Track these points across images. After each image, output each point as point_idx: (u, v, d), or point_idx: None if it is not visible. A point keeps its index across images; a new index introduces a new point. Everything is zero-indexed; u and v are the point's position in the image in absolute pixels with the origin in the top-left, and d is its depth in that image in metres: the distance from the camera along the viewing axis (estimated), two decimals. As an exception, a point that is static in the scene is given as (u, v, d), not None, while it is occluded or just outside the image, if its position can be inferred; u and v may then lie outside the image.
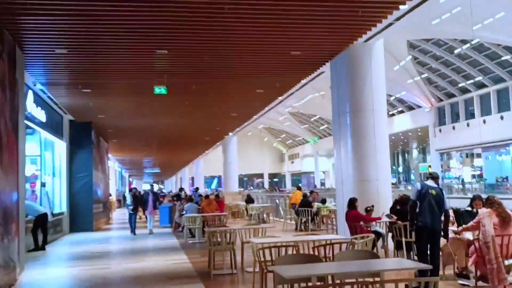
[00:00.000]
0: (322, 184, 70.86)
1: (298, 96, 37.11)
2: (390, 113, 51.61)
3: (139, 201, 18.76)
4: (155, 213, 19.01)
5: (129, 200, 18.76)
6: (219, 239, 9.55)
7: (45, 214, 14.97)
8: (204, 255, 12.45)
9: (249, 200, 24.20)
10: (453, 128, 43.29)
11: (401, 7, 9.32)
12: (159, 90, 13.87)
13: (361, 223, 10.17)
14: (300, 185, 20.37)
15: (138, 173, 64.04)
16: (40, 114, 16.13)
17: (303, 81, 16.13)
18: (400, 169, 64.11)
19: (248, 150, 66.82)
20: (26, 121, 14.73)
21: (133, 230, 18.66)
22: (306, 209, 17.30)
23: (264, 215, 22.29)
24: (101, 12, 8.68)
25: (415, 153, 60.38)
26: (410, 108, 48.79)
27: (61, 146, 20.24)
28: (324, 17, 9.28)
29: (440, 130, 45.28)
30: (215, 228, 10.33)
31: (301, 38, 10.51)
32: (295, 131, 69.82)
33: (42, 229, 14.97)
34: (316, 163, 69.58)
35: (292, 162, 79.26)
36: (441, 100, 44.66)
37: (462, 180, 45.77)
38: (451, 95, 43.55)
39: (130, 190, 21.68)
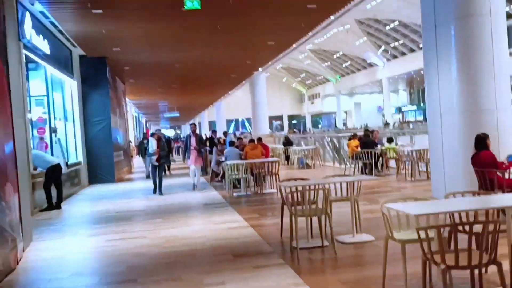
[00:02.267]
0: (344, 124, 67.65)
1: (320, 31, 33.42)
2: (420, 46, 47.67)
3: (169, 147, 14.92)
4: (200, 162, 14.22)
5: (152, 147, 13.56)
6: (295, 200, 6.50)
7: (58, 165, 12.08)
8: (261, 213, 9.55)
9: (288, 142, 21.07)
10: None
11: None
12: (191, 3, 10.60)
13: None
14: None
15: (155, 118, 61.11)
16: (43, 45, 12.96)
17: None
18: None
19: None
20: (25, 51, 11.63)
21: (158, 189, 13.63)
22: (368, 150, 14.19)
23: (306, 160, 19.30)
24: None
25: None
26: None
27: (72, 86, 17.14)
28: None
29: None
30: (294, 182, 7.27)
31: None
32: (315, 70, 66.05)
33: (56, 184, 12.12)
34: (338, 103, 66.09)
35: (312, 103, 75.73)
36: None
37: None
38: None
39: (152, 135, 16.88)
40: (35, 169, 11.74)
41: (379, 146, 14.78)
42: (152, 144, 13.66)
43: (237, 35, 15.60)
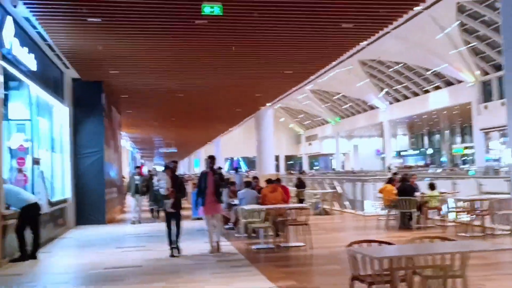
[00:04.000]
0: (342, 167, 65.46)
1: (321, 71, 31.37)
2: (424, 89, 45.95)
3: (182, 187, 10.05)
4: (219, 210, 10.04)
5: (163, 185, 9.59)
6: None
7: (36, 205, 9.63)
8: (300, 279, 7.08)
9: (301, 184, 18.62)
10: (502, 104, 37.51)
11: None
12: (210, 8, 8.41)
13: None
14: (392, 173, 14.66)
15: (150, 153, 58.64)
16: (28, 59, 10.65)
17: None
18: (430, 151, 58.41)
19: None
20: (3, 63, 9.35)
21: (174, 245, 9.54)
22: (408, 198, 11.79)
23: (322, 205, 16.89)
24: None
25: (448, 134, 54.63)
26: (448, 83, 43.05)
27: (62, 112, 14.79)
28: None
29: (485, 107, 39.52)
30: (379, 250, 4.88)
31: None
32: (314, 111, 64.14)
33: (32, 227, 9.63)
34: (337, 145, 63.89)
35: (310, 144, 73.61)
36: (487, 74, 38.94)
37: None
38: (499, 67, 37.80)
39: (165, 168, 11.88)
40: (7, 208, 9.31)
41: (417, 193, 12.42)
42: (163, 182, 9.75)
43: (252, 59, 13.42)
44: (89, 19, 9.81)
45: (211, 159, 10.25)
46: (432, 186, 12.45)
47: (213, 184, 9.73)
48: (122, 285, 7.16)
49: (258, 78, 15.71)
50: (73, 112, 15.50)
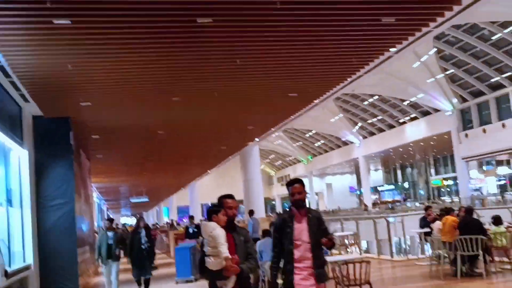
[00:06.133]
0: (317, 207, 63.04)
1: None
2: (401, 120, 44.38)
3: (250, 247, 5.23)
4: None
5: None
6: None
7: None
8: None
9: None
10: (484, 131, 36.08)
11: None
12: None
13: None
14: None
15: (116, 205, 54.78)
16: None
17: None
18: (406, 185, 56.66)
19: (231, 173, 58.25)
20: None
21: None
22: (475, 237, 9.21)
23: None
24: None
25: (423, 166, 53.08)
26: (425, 113, 41.56)
27: (20, 156, 11.77)
28: None
29: (466, 135, 38.01)
30: None
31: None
32: (286, 150, 62.04)
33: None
34: (311, 184, 61.54)
35: (282, 185, 71.10)
36: (466, 101, 37.60)
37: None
38: (477, 94, 36.55)
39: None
40: None
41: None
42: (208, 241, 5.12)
43: (256, 79, 10.88)
44: (56, 21, 7.08)
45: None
46: (497, 220, 9.93)
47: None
48: None
49: (256, 104, 13.13)
50: (35, 156, 12.47)
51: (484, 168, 42.11)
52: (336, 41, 8.69)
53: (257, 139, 20.16)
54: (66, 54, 8.35)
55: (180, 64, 9.16)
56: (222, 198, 5.17)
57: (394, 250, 14.00)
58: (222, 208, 5.04)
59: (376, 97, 42.45)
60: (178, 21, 7.44)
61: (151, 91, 10.89)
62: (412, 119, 43.24)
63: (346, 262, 7.48)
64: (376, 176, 62.22)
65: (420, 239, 13.23)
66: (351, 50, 9.24)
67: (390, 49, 9.58)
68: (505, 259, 10.17)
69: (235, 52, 8.95)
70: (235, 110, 13.48)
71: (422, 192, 52.43)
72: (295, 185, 5.19)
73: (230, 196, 5.22)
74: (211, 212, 5.05)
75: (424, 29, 8.70)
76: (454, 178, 44.86)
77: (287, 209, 5.45)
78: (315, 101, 13.79)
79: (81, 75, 9.44)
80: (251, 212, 17.91)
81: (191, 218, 19.67)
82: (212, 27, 7.66)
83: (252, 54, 9.14)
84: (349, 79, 11.26)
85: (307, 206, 5.33)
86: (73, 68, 9.02)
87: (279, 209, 67.97)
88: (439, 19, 8.59)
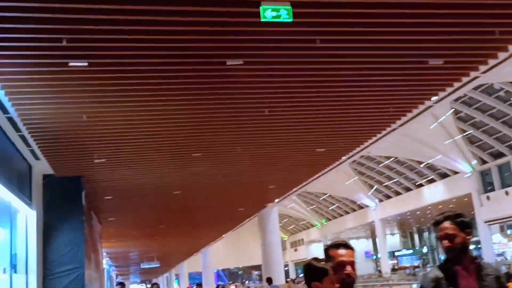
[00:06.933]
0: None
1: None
2: (417, 183, 43.15)
3: None
4: None
5: None
6: None
7: None
8: None
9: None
10: (506, 193, 34.76)
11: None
12: (274, 13, 5.15)
13: None
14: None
15: (125, 271, 53.01)
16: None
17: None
18: (424, 249, 54.56)
19: (243, 239, 56.68)
20: None
21: None
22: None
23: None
24: None
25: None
26: (443, 175, 40.40)
27: (28, 217, 10.85)
28: None
29: (488, 198, 36.64)
30: None
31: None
32: (299, 214, 60.48)
33: None
34: (325, 249, 59.40)
35: (296, 250, 68.99)
36: (485, 162, 36.53)
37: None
38: (497, 155, 35.55)
39: None
40: None
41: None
42: None
43: (280, 131, 10.07)
44: (71, 63, 6.37)
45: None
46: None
47: None
48: None
49: (280, 160, 12.26)
50: (44, 217, 11.55)
51: (508, 232, 40.37)
52: (376, 87, 7.91)
53: (276, 200, 19.13)
54: (80, 102, 7.60)
55: (205, 112, 8.38)
56: (330, 248, 3.10)
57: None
58: (329, 267, 2.83)
59: (392, 159, 41.50)
60: (206, 62, 6.71)
61: (171, 146, 10.05)
62: (430, 181, 42.02)
63: None
64: (392, 240, 60.22)
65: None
66: (390, 97, 8.44)
67: (432, 98, 8.77)
68: None
69: (264, 100, 8.19)
70: (257, 167, 12.61)
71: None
72: (445, 224, 3.47)
73: (345, 245, 3.15)
74: (311, 275, 2.82)
75: (472, 74, 7.89)
76: (476, 243, 43.00)
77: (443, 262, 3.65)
78: (343, 158, 12.88)
79: (96, 126, 8.65)
80: (269, 280, 16.56)
81: (199, 286, 18.32)
82: (242, 70, 6.93)
83: (282, 102, 8.37)
84: (383, 132, 10.34)
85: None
86: (88, 120, 8.27)
87: (292, 275, 65.42)
88: (482, 67, 7.85)
